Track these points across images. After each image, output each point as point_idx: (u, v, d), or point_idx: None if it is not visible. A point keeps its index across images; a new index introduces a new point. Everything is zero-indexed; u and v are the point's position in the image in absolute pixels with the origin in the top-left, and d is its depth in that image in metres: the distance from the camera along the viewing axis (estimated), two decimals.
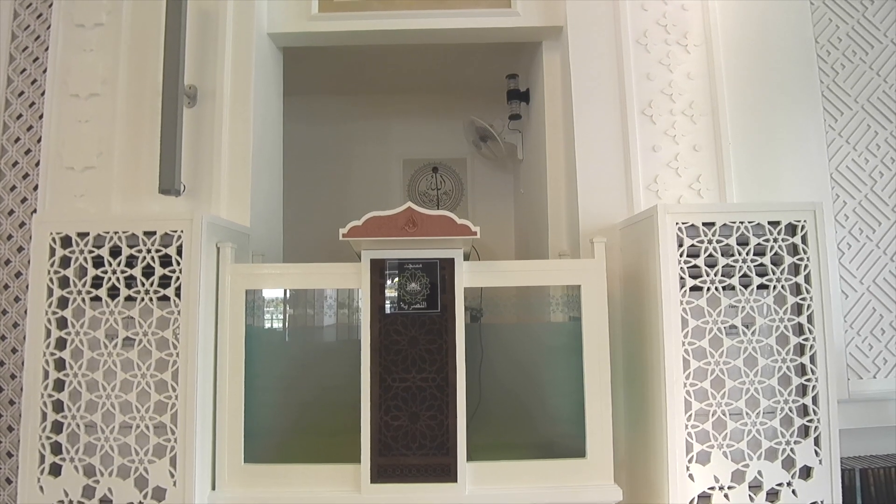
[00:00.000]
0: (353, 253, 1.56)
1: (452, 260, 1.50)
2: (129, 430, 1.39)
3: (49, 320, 1.41)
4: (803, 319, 1.43)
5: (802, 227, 1.45)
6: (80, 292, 1.42)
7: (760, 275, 1.44)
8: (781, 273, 1.44)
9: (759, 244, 1.44)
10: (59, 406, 1.41)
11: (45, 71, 1.86)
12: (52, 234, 1.43)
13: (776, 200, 1.80)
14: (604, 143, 1.83)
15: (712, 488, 1.41)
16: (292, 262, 1.60)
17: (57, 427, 1.41)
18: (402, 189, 3.18)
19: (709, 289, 1.44)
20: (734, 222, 1.44)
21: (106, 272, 1.42)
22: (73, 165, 1.78)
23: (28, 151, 1.87)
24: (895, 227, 1.89)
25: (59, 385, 1.41)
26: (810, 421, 1.42)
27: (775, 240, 1.44)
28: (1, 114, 1.89)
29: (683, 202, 1.79)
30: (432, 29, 1.98)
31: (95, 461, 1.39)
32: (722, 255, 1.44)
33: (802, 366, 1.43)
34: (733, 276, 1.44)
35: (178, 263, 1.41)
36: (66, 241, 1.44)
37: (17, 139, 1.88)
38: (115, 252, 1.43)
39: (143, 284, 1.41)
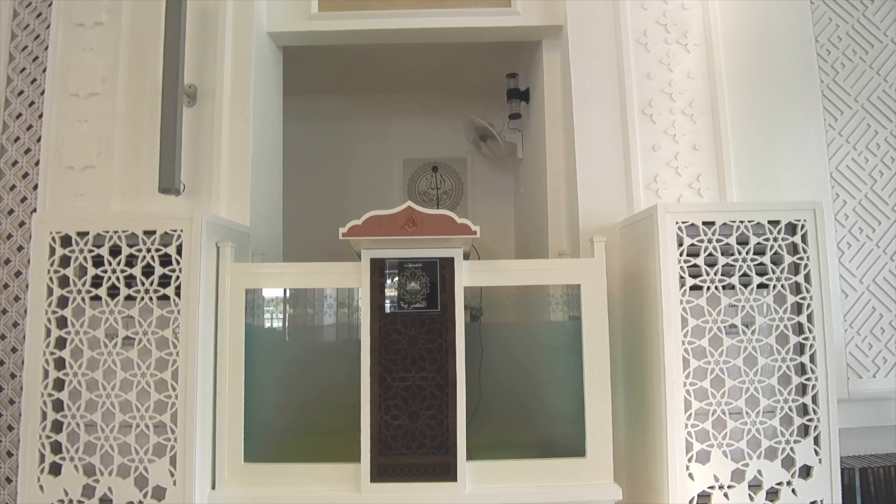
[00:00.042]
0: (353, 252, 1.56)
1: (452, 259, 1.50)
2: (129, 430, 1.39)
3: (49, 319, 1.41)
4: (803, 319, 1.43)
5: (802, 227, 1.45)
6: (79, 291, 1.42)
7: (760, 274, 1.44)
8: (781, 272, 1.44)
9: (758, 243, 1.44)
10: (58, 405, 1.41)
11: (44, 70, 1.86)
12: (51, 233, 1.43)
13: (776, 200, 1.80)
14: (604, 142, 1.83)
15: (712, 487, 1.41)
16: (292, 262, 1.60)
17: (57, 426, 1.41)
18: (402, 188, 3.18)
19: (709, 288, 1.44)
20: (734, 221, 1.44)
21: (106, 271, 1.42)
22: (72, 164, 1.78)
23: (28, 150, 1.87)
24: (895, 227, 1.89)
25: (59, 384, 1.41)
26: (810, 420, 1.42)
27: (775, 239, 1.44)
28: (0, 113, 1.89)
29: (683, 201, 1.79)
30: (432, 28, 1.98)
31: (95, 460, 1.39)
32: (722, 254, 1.44)
33: (802, 365, 1.43)
34: (733, 275, 1.44)
35: (178, 263, 1.41)
36: (65, 241, 1.44)
37: (17, 138, 1.88)
38: (114, 251, 1.43)
39: (142, 284, 1.41)
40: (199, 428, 1.39)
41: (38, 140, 1.85)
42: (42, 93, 1.86)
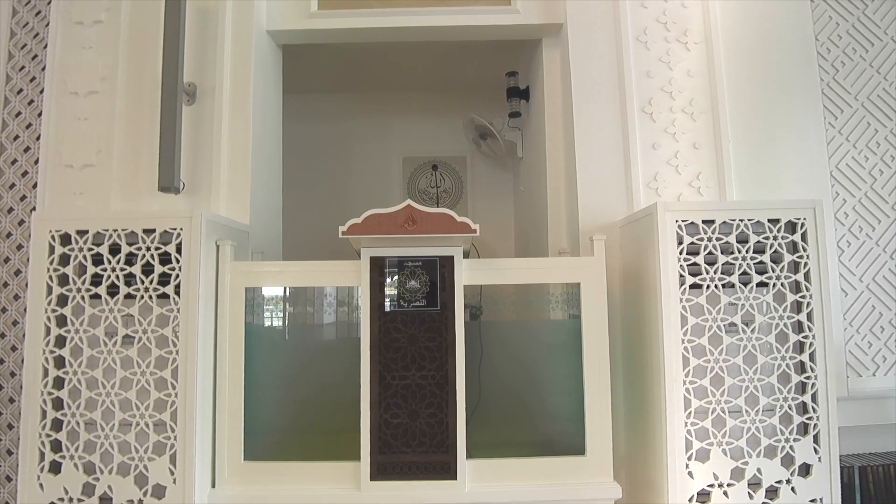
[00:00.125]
0: (353, 251, 1.56)
1: (452, 258, 1.50)
2: (129, 428, 1.39)
3: (48, 318, 1.41)
4: (803, 317, 1.44)
5: (802, 225, 1.45)
6: (79, 290, 1.42)
7: (760, 272, 1.44)
8: (781, 271, 1.44)
9: (758, 242, 1.44)
10: (58, 404, 1.41)
11: (43, 68, 1.86)
12: (51, 231, 1.43)
13: (776, 198, 1.80)
14: (604, 140, 1.82)
15: (711, 486, 1.41)
16: (292, 260, 1.60)
17: (57, 425, 1.41)
18: (402, 187, 3.18)
19: (708, 286, 1.44)
20: (734, 220, 1.44)
21: (105, 270, 1.42)
22: (72, 163, 1.78)
23: (27, 149, 1.87)
24: (895, 225, 1.89)
25: (59, 383, 1.42)
26: (809, 418, 1.42)
27: (775, 237, 1.44)
28: (0, 111, 1.89)
29: (683, 200, 1.79)
30: (432, 26, 1.98)
31: (95, 459, 1.39)
32: (721, 252, 1.44)
33: (802, 363, 1.43)
34: (733, 273, 1.44)
35: (178, 261, 1.41)
36: (65, 239, 1.44)
37: (16, 137, 1.88)
38: (114, 250, 1.43)
39: (142, 282, 1.41)
40: (199, 426, 1.39)
41: (38, 138, 1.85)
42: (41, 91, 1.86)
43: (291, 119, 2.32)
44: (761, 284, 1.45)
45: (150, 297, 1.41)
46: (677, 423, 1.40)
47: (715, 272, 1.44)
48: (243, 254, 1.71)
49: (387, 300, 1.49)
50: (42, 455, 1.39)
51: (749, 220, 1.44)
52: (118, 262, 1.42)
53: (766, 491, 1.41)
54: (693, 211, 1.45)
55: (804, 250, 1.44)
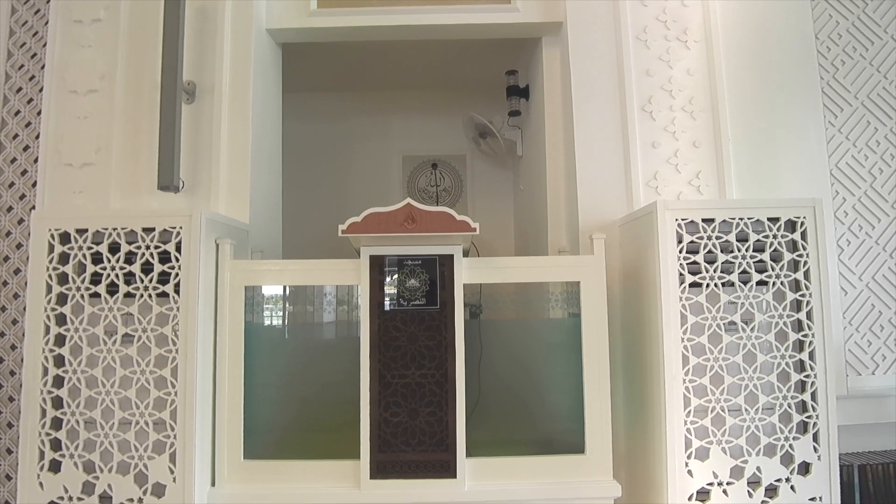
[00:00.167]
0: (353, 249, 1.56)
1: (452, 256, 1.50)
2: (129, 427, 1.39)
3: (48, 317, 1.41)
4: (802, 316, 1.44)
5: (802, 224, 1.45)
6: (78, 289, 1.42)
7: (760, 271, 1.44)
8: (781, 269, 1.44)
9: (758, 240, 1.44)
10: (58, 402, 1.41)
11: (43, 67, 1.85)
12: (50, 230, 1.42)
13: (776, 197, 1.80)
14: (603, 139, 1.82)
15: (711, 484, 1.41)
16: (291, 259, 1.60)
17: (56, 423, 1.41)
18: (402, 186, 3.18)
19: (708, 285, 1.44)
20: (733, 219, 1.44)
21: (105, 268, 1.42)
22: (71, 162, 1.78)
23: (26, 148, 1.87)
24: (894, 224, 1.89)
25: (59, 381, 1.41)
26: (809, 417, 1.42)
27: (774, 236, 1.44)
28: None
29: (683, 198, 1.78)
30: (432, 25, 1.98)
31: (95, 457, 1.39)
32: (721, 251, 1.44)
33: (801, 362, 1.43)
34: (732, 272, 1.44)
35: (178, 260, 1.41)
36: (64, 238, 1.44)
37: (16, 136, 1.88)
38: (113, 248, 1.42)
39: (142, 281, 1.41)
40: (199, 425, 1.39)
41: (37, 137, 1.84)
42: (41, 90, 1.86)
43: (291, 118, 2.32)
44: (761, 283, 1.45)
45: (150, 295, 1.41)
46: (677, 421, 1.40)
47: (715, 271, 1.44)
48: (243, 252, 1.71)
49: (386, 299, 1.49)
50: (42, 454, 1.39)
51: (749, 218, 1.44)
52: (118, 260, 1.42)
53: (766, 489, 1.41)
54: (693, 209, 1.45)
55: (804, 249, 1.44)
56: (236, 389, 1.49)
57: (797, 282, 1.45)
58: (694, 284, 1.44)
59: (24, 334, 1.53)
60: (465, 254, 1.56)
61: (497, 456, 1.49)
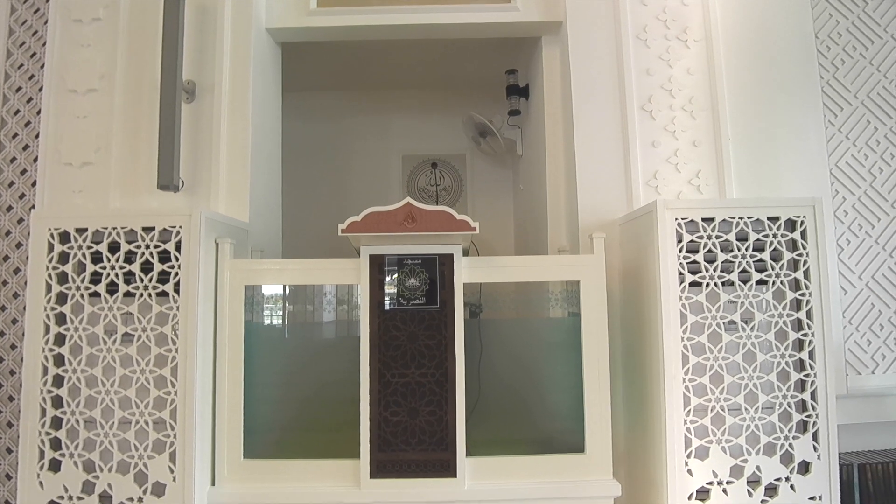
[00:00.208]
0: (353, 249, 1.56)
1: (451, 255, 1.50)
2: (129, 426, 1.39)
3: (48, 316, 1.41)
4: (802, 315, 1.44)
5: (802, 223, 1.45)
6: (78, 288, 1.42)
7: (759, 270, 1.44)
8: (780, 269, 1.44)
9: (758, 240, 1.44)
10: (58, 402, 1.41)
11: (42, 66, 1.85)
12: (50, 229, 1.42)
13: (775, 196, 1.80)
14: (603, 138, 1.82)
15: (711, 483, 1.41)
16: (291, 258, 1.60)
17: (56, 423, 1.41)
18: (402, 185, 3.18)
19: (708, 284, 1.44)
20: (733, 218, 1.44)
21: (104, 268, 1.42)
22: (71, 161, 1.78)
23: (26, 147, 1.87)
24: (894, 223, 1.89)
25: (59, 381, 1.41)
26: (809, 416, 1.42)
27: (774, 235, 1.44)
28: None
29: (683, 198, 1.78)
30: (431, 24, 1.98)
31: (95, 457, 1.39)
32: (721, 250, 1.44)
33: (801, 361, 1.43)
34: (732, 271, 1.44)
35: (177, 259, 1.41)
36: (64, 237, 1.44)
37: (15, 135, 1.87)
38: (113, 248, 1.42)
39: (141, 280, 1.41)
40: (199, 424, 1.39)
41: (37, 136, 1.84)
42: (40, 89, 1.85)
43: (291, 117, 2.32)
44: (761, 282, 1.45)
45: (150, 295, 1.41)
46: (677, 420, 1.40)
47: (714, 270, 1.44)
48: (243, 252, 1.71)
49: (386, 298, 1.49)
50: (42, 453, 1.39)
51: (749, 217, 1.44)
52: (117, 260, 1.41)
53: (766, 489, 1.41)
54: (693, 209, 1.45)
55: (804, 248, 1.44)
56: (236, 389, 1.49)
57: (797, 281, 1.45)
58: (694, 284, 1.44)
59: (23, 334, 1.53)
60: (465, 253, 1.56)
61: (497, 455, 1.49)
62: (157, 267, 1.41)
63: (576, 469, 1.48)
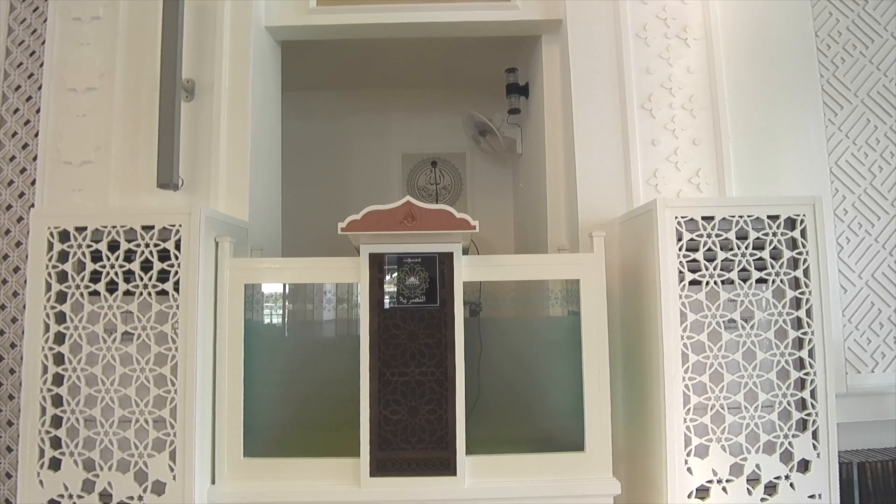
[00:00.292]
0: (353, 247, 1.56)
1: (451, 254, 1.50)
2: (129, 425, 1.39)
3: (48, 315, 1.41)
4: (802, 313, 1.44)
5: (801, 222, 1.45)
6: (78, 287, 1.42)
7: (759, 269, 1.44)
8: (780, 267, 1.44)
9: (758, 238, 1.44)
10: (58, 400, 1.41)
11: (41, 65, 1.85)
12: (49, 228, 1.42)
13: (775, 194, 1.80)
14: (603, 137, 1.82)
15: (710, 481, 1.41)
16: (291, 257, 1.60)
17: (56, 421, 1.41)
18: (401, 183, 3.18)
19: (708, 283, 1.44)
20: (733, 216, 1.44)
21: (104, 266, 1.42)
22: (70, 160, 1.77)
23: (25, 146, 1.87)
24: (894, 222, 1.89)
25: (58, 380, 1.41)
26: (808, 415, 1.42)
27: (774, 234, 1.44)
28: None
29: (683, 196, 1.78)
30: (431, 22, 1.98)
31: (95, 455, 1.39)
32: (721, 249, 1.44)
33: (801, 360, 1.43)
34: (732, 270, 1.44)
35: (177, 258, 1.41)
36: (63, 236, 1.44)
37: (15, 134, 1.87)
38: (113, 246, 1.42)
39: (141, 279, 1.41)
40: (199, 423, 1.39)
41: (36, 135, 1.84)
42: (39, 88, 1.85)
43: (290, 115, 2.32)
44: (760, 281, 1.45)
45: (150, 293, 1.41)
46: (676, 419, 1.40)
47: (714, 268, 1.44)
48: (242, 250, 1.71)
49: (386, 297, 1.49)
50: (42, 452, 1.39)
51: (748, 216, 1.44)
52: (117, 258, 1.41)
53: (765, 487, 1.41)
54: (692, 207, 1.45)
55: (803, 247, 1.44)
56: (236, 387, 1.49)
57: (797, 279, 1.45)
58: (693, 282, 1.44)
59: (23, 332, 1.53)
60: (465, 252, 1.56)
61: (497, 453, 1.49)
62: (157, 265, 1.41)
63: (575, 467, 1.48)
